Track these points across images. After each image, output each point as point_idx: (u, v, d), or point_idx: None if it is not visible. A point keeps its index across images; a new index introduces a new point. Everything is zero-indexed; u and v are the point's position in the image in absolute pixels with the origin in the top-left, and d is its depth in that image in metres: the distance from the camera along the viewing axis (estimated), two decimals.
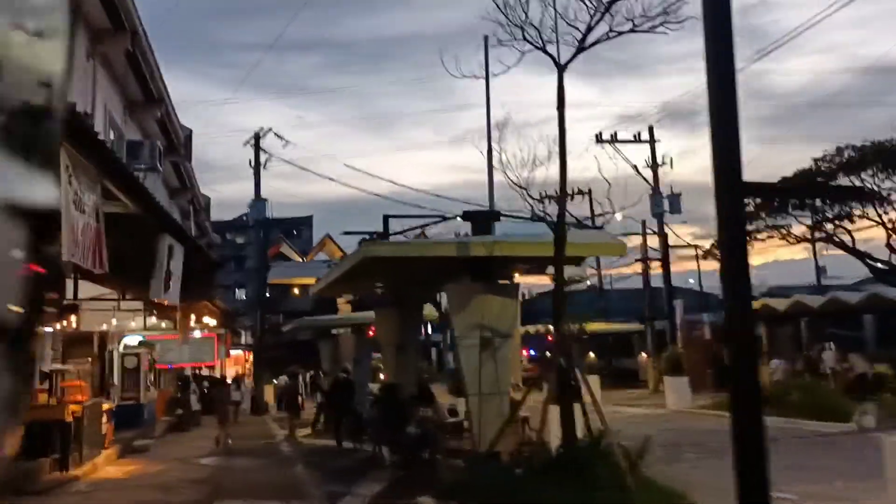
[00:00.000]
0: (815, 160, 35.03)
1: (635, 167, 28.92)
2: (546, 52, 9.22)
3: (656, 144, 31.21)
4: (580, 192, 27.73)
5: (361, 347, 22.35)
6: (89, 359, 17.46)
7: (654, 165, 30.77)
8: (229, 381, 24.72)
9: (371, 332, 21.48)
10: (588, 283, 38.46)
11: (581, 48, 8.90)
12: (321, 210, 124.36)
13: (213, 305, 17.33)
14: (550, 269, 17.43)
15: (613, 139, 29.68)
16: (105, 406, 15.62)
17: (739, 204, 5.93)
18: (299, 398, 22.26)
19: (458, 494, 9.52)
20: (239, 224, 60.45)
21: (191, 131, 24.80)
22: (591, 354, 36.51)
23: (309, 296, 41.54)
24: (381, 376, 24.54)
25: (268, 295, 36.51)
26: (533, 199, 9.42)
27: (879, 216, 33.10)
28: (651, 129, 31.05)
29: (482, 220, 10.99)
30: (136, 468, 14.58)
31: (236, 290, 61.89)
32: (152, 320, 18.44)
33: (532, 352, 37.37)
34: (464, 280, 10.82)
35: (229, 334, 26.59)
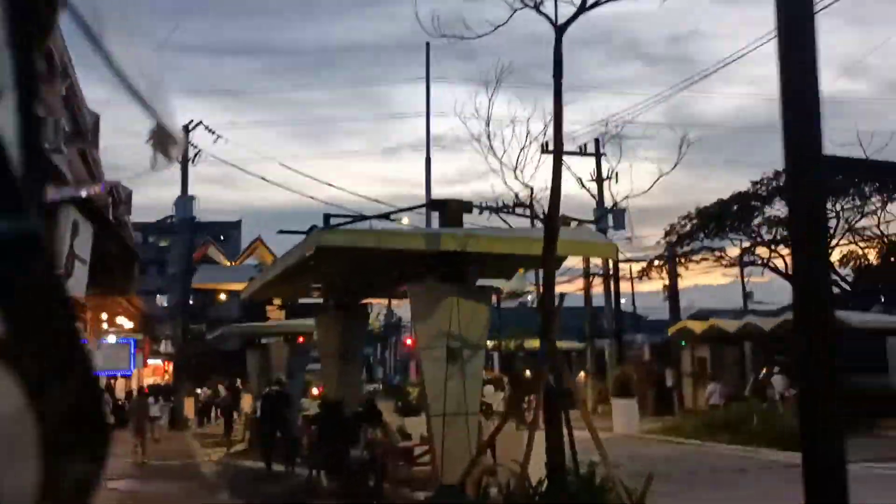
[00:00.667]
0: (753, 182, 35.14)
1: (580, 180, 27.89)
2: (540, 13, 7.78)
3: (602, 158, 30.29)
4: (521, 204, 26.52)
5: (295, 358, 20.38)
6: None
7: (599, 178, 29.80)
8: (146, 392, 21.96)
9: (301, 340, 19.63)
10: (531, 297, 37.26)
11: (583, 7, 7.47)
12: (251, 217, 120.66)
13: (130, 304, 15.16)
14: (507, 281, 15.99)
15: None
16: None
17: (818, 183, 4.63)
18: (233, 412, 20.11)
19: None
20: (162, 226, 56.94)
21: (98, 116, 22.36)
22: (528, 372, 35.12)
23: (237, 304, 39.09)
24: (315, 391, 22.57)
25: (191, 301, 33.96)
26: (522, 183, 7.90)
27: None
28: (597, 142, 30.10)
29: (453, 210, 9.38)
30: None
31: (158, 296, 58.21)
32: None
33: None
34: (430, 280, 9.20)
35: (148, 340, 24.09)
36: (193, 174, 28.79)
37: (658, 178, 8.84)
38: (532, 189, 8.10)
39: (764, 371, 21.81)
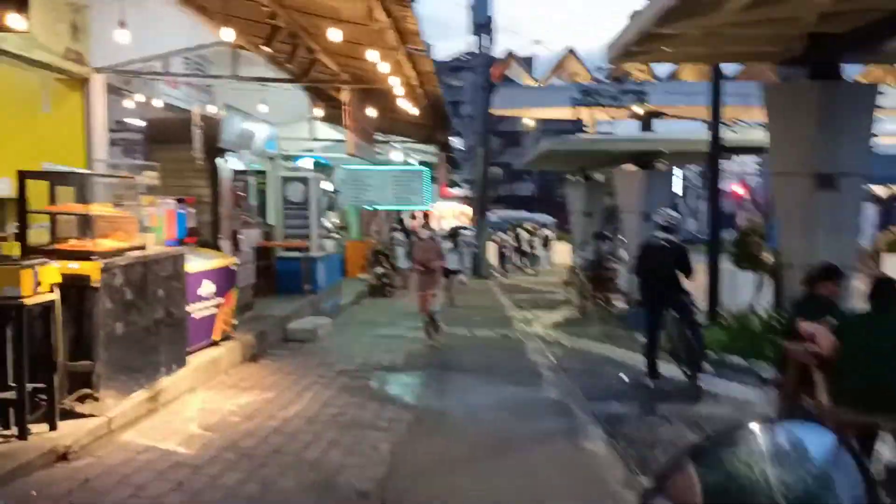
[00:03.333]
0: None
1: None
2: None
3: None
4: None
5: (656, 193, 12.82)
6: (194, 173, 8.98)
7: None
8: (427, 230, 12.98)
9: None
10: None
11: None
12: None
13: (415, 66, 8.37)
14: None
15: None
16: (200, 264, 7.46)
17: None
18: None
19: None
20: (454, 65, 51.54)
21: None
22: None
23: (535, 135, 32.19)
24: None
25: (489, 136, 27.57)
26: None
27: None
28: None
29: None
30: (247, 406, 6.30)
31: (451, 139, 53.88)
32: (319, 114, 10.11)
33: None
34: None
35: (444, 167, 17.65)
36: None
37: None
38: None
39: None
